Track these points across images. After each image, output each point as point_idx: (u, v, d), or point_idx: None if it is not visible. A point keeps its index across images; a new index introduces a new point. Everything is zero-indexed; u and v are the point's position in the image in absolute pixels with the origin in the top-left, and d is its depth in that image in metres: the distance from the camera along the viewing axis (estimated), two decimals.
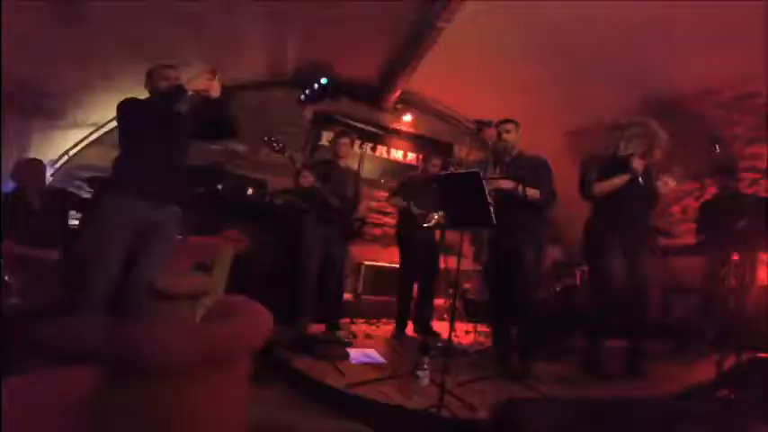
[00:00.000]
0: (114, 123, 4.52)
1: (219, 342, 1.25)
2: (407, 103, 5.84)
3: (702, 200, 4.10)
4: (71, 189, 4.02)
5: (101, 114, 4.39)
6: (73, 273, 2.67)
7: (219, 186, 4.08)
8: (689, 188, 4.54)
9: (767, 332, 3.16)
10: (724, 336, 3.05)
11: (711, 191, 4.11)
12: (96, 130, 4.55)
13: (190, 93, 2.33)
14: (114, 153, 2.38)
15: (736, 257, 3.35)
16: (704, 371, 2.68)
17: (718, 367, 2.11)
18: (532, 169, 2.90)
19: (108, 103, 4.29)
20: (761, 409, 1.96)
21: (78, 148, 4.54)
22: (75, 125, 4.37)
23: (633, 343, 2.83)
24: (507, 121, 3.03)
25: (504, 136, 2.99)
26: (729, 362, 2.19)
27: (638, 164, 2.70)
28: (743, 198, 3.65)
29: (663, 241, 3.89)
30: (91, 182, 3.79)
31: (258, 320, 1.56)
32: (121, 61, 3.83)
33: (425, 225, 3.78)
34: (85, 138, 4.55)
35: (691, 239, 4.05)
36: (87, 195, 3.92)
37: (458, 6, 3.43)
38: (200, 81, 2.33)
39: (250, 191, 4.35)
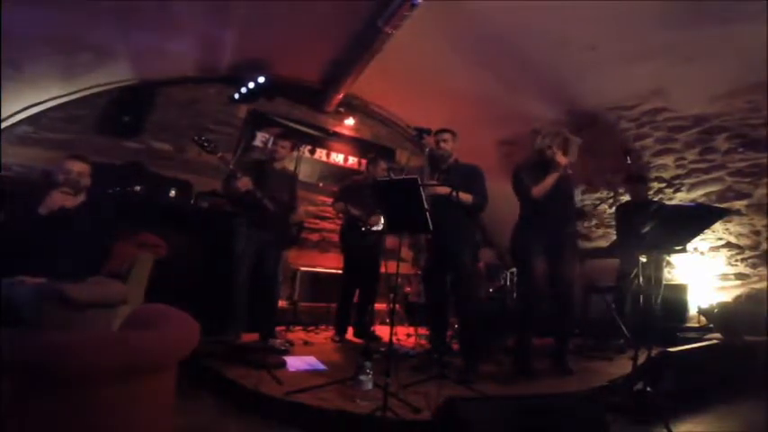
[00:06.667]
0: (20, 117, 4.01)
1: (137, 351, 1.21)
2: (350, 106, 5.78)
3: (617, 204, 4.46)
4: None
5: (5, 108, 3.86)
6: None
7: (138, 187, 3.75)
8: (604, 195, 4.95)
9: (674, 328, 3.51)
10: (637, 332, 3.33)
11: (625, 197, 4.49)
12: None
13: None
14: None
15: (644, 259, 3.69)
16: (621, 366, 2.91)
17: (633, 362, 2.28)
18: (467, 176, 3.02)
19: (15, 95, 3.79)
20: (672, 400, 2.16)
21: None
22: None
23: (560, 341, 3.01)
24: (444, 130, 3.13)
25: (442, 144, 3.09)
26: (643, 357, 2.37)
27: (560, 159, 2.89)
28: (650, 205, 4.03)
29: (581, 244, 4.19)
30: None
31: (181, 329, 1.49)
32: (36, 52, 3.42)
33: (367, 228, 3.77)
34: None
35: (605, 242, 4.40)
36: None
37: (406, 13, 3.46)
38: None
39: (173, 192, 4.04)
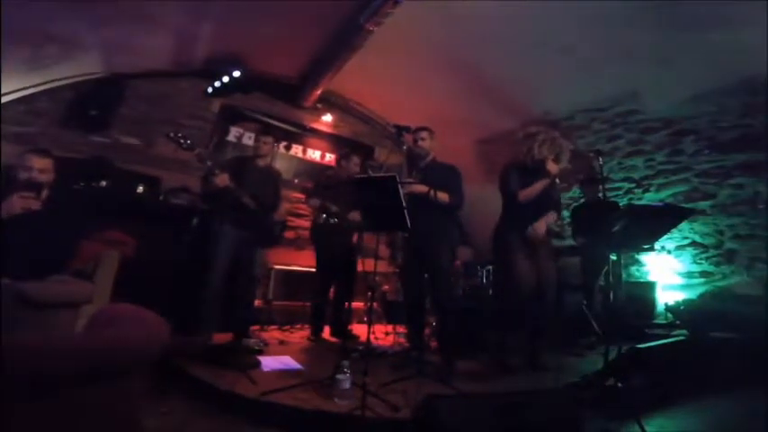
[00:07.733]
0: None
1: (100, 352, 1.16)
2: (329, 103, 5.71)
3: (574, 205, 4.55)
4: None
5: None
6: None
7: (103, 183, 3.60)
8: (577, 195, 5.06)
9: (642, 324, 3.61)
10: (607, 329, 3.41)
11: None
12: None
13: None
14: None
15: (614, 257, 3.77)
16: (593, 362, 2.98)
17: (605, 358, 2.33)
18: (444, 176, 3.02)
19: None
20: (642, 394, 2.22)
21: None
22: None
23: (535, 339, 3.05)
24: (422, 128, 3.11)
25: (420, 143, 3.08)
26: (613, 353, 2.43)
27: (552, 167, 2.91)
28: (617, 204, 4.14)
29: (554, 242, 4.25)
30: None
31: (149, 329, 1.43)
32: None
33: (346, 224, 3.71)
34: None
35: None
36: None
37: (389, 11, 3.43)
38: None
39: (140, 188, 3.90)
